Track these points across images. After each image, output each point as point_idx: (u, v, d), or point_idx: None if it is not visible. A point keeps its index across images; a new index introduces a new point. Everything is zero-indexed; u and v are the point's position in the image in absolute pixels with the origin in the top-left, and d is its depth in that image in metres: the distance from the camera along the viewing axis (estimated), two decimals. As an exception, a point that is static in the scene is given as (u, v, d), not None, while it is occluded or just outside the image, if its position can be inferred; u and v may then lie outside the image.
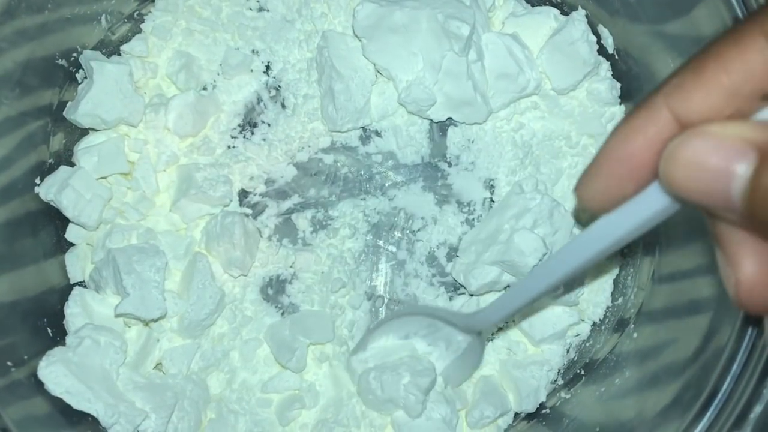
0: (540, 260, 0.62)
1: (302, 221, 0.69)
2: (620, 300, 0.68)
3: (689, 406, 0.50)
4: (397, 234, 0.69)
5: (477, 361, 0.66)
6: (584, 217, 0.65)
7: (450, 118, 0.68)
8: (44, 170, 0.66)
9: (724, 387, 0.49)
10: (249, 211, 0.69)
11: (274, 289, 0.68)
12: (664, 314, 0.61)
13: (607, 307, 0.68)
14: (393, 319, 0.63)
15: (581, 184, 0.39)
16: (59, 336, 0.62)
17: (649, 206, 0.36)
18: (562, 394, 0.67)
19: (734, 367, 0.49)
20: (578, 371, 0.68)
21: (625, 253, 0.68)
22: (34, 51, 0.63)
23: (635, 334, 0.64)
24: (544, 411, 0.67)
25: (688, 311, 0.57)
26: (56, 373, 0.55)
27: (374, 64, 0.67)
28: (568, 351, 0.68)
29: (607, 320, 0.68)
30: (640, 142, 0.35)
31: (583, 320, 0.68)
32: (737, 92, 0.32)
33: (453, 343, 0.64)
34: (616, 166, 0.36)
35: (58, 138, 0.67)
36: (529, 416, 0.67)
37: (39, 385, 0.57)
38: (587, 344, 0.68)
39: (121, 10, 0.69)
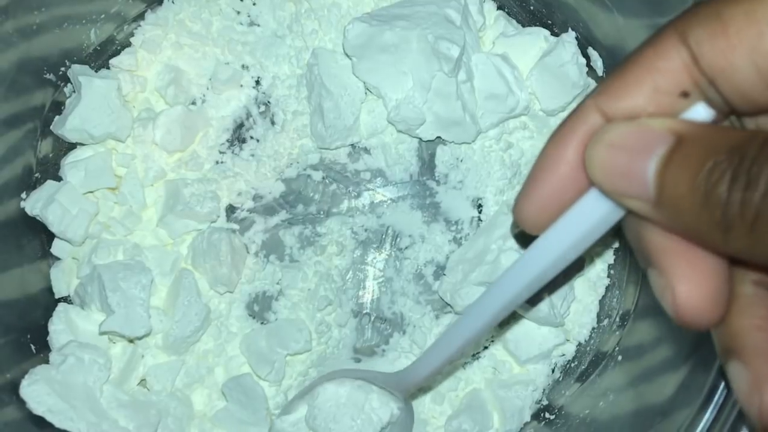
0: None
1: (290, 238, 0.69)
2: (605, 321, 0.68)
3: (691, 401, 0.50)
4: (385, 252, 0.69)
5: (409, 429, 0.64)
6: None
7: (439, 137, 0.68)
8: (31, 183, 0.65)
9: (724, 382, 0.49)
10: (236, 226, 0.69)
11: (260, 306, 0.68)
12: (657, 313, 0.61)
13: (593, 328, 0.68)
14: (322, 383, 0.61)
15: (518, 202, 0.38)
16: (42, 352, 0.61)
17: (588, 215, 0.35)
18: (561, 393, 0.67)
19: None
20: (575, 370, 0.68)
21: (611, 274, 0.68)
22: (21, 59, 0.62)
23: (631, 332, 0.64)
24: (543, 413, 0.67)
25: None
26: (39, 391, 0.55)
27: (364, 83, 0.67)
28: (553, 371, 0.68)
29: (592, 341, 0.68)
30: (574, 145, 0.36)
31: (568, 340, 0.68)
32: (658, 90, 0.33)
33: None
34: (552, 176, 0.36)
35: (47, 144, 0.67)
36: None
37: (19, 402, 0.56)
38: (573, 364, 0.68)
39: (110, 23, 0.69)
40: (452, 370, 0.68)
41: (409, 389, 0.60)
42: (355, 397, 0.59)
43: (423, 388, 0.67)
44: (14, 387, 0.57)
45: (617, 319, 0.67)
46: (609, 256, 0.68)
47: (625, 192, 0.33)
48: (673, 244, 0.33)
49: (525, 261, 0.39)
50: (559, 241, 0.37)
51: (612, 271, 0.68)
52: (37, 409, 0.55)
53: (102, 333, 0.60)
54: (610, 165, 0.33)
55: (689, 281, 0.33)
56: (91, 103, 0.63)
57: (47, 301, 0.65)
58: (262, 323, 0.67)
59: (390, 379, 0.60)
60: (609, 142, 0.33)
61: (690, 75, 0.33)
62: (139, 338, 0.62)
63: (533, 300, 0.64)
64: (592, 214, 0.35)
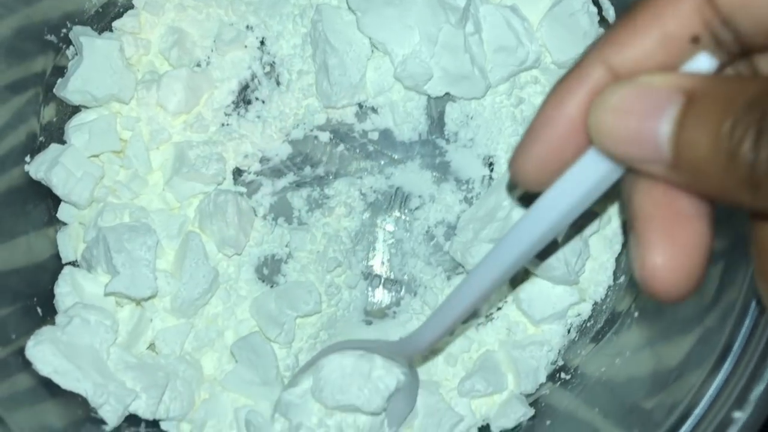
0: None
1: (297, 200, 0.68)
2: (622, 279, 0.66)
3: (704, 361, 0.49)
4: (395, 213, 0.68)
5: (414, 397, 0.63)
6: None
7: (448, 94, 0.66)
8: (35, 147, 0.65)
9: (739, 340, 0.48)
10: (243, 189, 0.68)
11: (270, 269, 0.67)
12: None
13: (609, 286, 0.66)
14: (326, 355, 0.59)
15: (516, 157, 0.36)
16: (49, 315, 0.61)
17: (590, 173, 0.34)
18: (577, 353, 0.66)
19: (747, 320, 0.48)
20: (591, 330, 0.66)
21: (626, 231, 0.67)
22: (21, 25, 0.62)
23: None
24: (558, 374, 0.66)
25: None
26: (44, 352, 0.55)
27: (369, 38, 0.65)
28: (569, 331, 0.67)
29: (608, 299, 0.66)
30: (576, 101, 0.34)
31: (584, 300, 0.66)
32: (667, 35, 0.31)
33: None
34: (552, 132, 0.35)
35: (50, 110, 0.66)
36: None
37: (27, 365, 0.56)
38: (588, 323, 0.67)
39: (112, -16, 0.68)
40: (462, 332, 0.66)
41: (417, 355, 0.59)
42: (360, 366, 0.58)
43: (434, 350, 0.65)
44: (23, 352, 0.56)
45: (634, 277, 0.65)
46: (625, 213, 0.66)
47: (636, 157, 0.31)
48: (658, 213, 0.32)
49: (527, 221, 0.38)
50: (561, 201, 0.36)
51: (626, 228, 0.67)
52: (43, 370, 0.55)
53: (107, 294, 0.59)
54: (618, 131, 0.31)
55: (662, 253, 0.32)
56: (93, 64, 0.62)
57: (55, 267, 0.65)
58: (271, 286, 0.66)
59: (395, 347, 0.59)
60: (614, 106, 0.31)
61: (701, 17, 0.31)
62: (146, 300, 0.61)
63: (546, 258, 0.63)
64: (594, 172, 0.34)
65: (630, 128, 0.31)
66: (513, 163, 0.37)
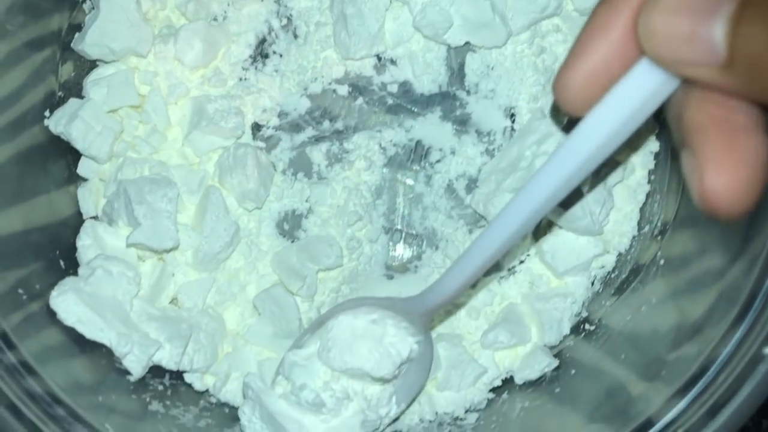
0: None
1: (317, 154, 0.67)
2: (646, 228, 0.65)
3: (727, 314, 0.49)
4: (415, 166, 0.67)
5: (427, 373, 0.60)
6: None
7: (468, 43, 0.65)
8: (54, 103, 0.64)
9: (761, 294, 0.47)
10: (262, 144, 0.67)
11: (290, 224, 0.66)
12: (697, 221, 0.59)
13: (633, 237, 0.66)
14: (336, 315, 0.57)
15: (561, 77, 0.35)
16: (72, 269, 0.61)
17: (640, 86, 0.33)
18: (601, 304, 0.65)
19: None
20: (615, 281, 0.66)
21: (651, 180, 0.66)
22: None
23: (672, 241, 0.62)
24: (582, 325, 0.65)
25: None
26: (68, 301, 0.55)
27: (388, -13, 0.64)
28: (593, 283, 0.66)
29: (632, 250, 0.66)
30: (626, 12, 0.33)
31: (608, 251, 0.66)
32: None
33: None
34: (601, 45, 0.33)
35: (67, 68, 0.66)
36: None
37: (53, 317, 0.56)
38: (612, 275, 0.66)
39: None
40: (485, 286, 0.66)
41: (434, 311, 0.57)
42: (372, 330, 0.55)
43: (455, 305, 0.65)
44: (49, 307, 0.57)
45: (658, 225, 0.64)
46: (649, 162, 0.65)
47: (689, 59, 0.30)
48: (714, 126, 0.31)
49: (571, 143, 0.36)
50: (609, 118, 0.34)
51: (653, 177, 0.66)
52: (67, 319, 0.55)
53: (129, 246, 0.59)
54: (670, 31, 0.30)
55: (721, 165, 0.31)
56: (111, 16, 0.62)
57: (76, 223, 0.64)
58: (292, 241, 0.66)
59: (410, 304, 0.57)
60: (666, 6, 0.30)
61: None
62: (167, 251, 0.61)
63: (570, 207, 0.62)
64: (644, 85, 0.33)
65: (683, 27, 0.30)
66: (558, 82, 0.36)
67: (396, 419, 0.60)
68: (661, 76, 0.32)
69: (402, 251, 0.67)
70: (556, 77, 0.36)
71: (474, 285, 0.64)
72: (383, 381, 0.56)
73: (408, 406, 0.60)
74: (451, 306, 0.65)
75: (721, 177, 0.30)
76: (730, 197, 0.30)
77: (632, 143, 0.65)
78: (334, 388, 0.55)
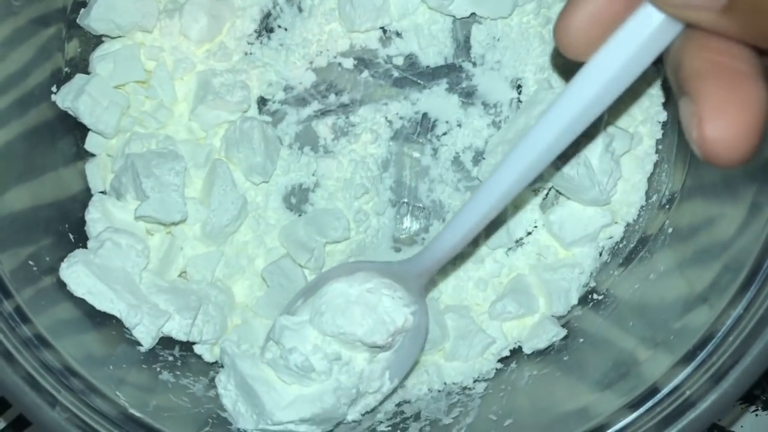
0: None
1: (323, 128, 0.67)
2: (654, 198, 0.65)
3: (731, 285, 0.49)
4: (421, 139, 0.67)
5: (419, 349, 0.58)
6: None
7: (473, 14, 0.65)
8: (60, 79, 0.65)
9: (764, 267, 0.47)
10: (269, 119, 0.67)
11: (297, 198, 0.67)
12: (706, 191, 0.59)
13: (641, 207, 0.65)
14: (329, 282, 0.56)
15: (562, 20, 0.35)
16: (81, 242, 0.61)
17: (641, 30, 0.32)
18: (609, 274, 0.65)
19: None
20: (623, 251, 0.66)
21: (659, 150, 0.65)
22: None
23: (680, 210, 0.62)
24: (590, 295, 0.65)
25: (729, 188, 0.55)
26: (78, 273, 0.55)
27: (392, -42, 0.64)
28: (600, 254, 0.66)
29: (641, 220, 0.65)
30: None
31: (616, 221, 0.65)
32: None
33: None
34: None
35: (73, 45, 0.66)
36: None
37: (65, 291, 0.57)
38: (620, 245, 0.66)
39: None
40: (492, 257, 0.66)
41: (431, 271, 0.55)
42: (366, 298, 0.55)
43: (463, 278, 0.65)
44: (61, 282, 0.57)
45: (666, 195, 0.64)
46: (657, 132, 0.65)
47: (690, 2, 0.30)
48: (714, 72, 0.31)
49: (572, 88, 0.36)
50: (610, 63, 0.34)
51: (660, 147, 0.65)
52: (77, 290, 0.56)
53: (137, 218, 0.60)
54: None
55: (721, 111, 0.30)
56: (115, -9, 0.62)
57: (84, 199, 0.65)
58: (299, 215, 0.66)
59: (407, 266, 0.55)
60: None
61: None
62: (176, 224, 0.61)
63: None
64: (646, 30, 0.33)
65: None
66: (559, 25, 0.35)
67: (388, 396, 0.60)
68: (662, 20, 0.32)
69: (409, 224, 0.67)
70: (557, 20, 0.36)
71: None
72: (375, 349, 0.55)
73: (401, 382, 0.59)
74: (458, 277, 0.65)
75: (720, 123, 0.30)
76: (730, 143, 0.30)
77: (644, 110, 0.65)
78: (326, 352, 0.55)
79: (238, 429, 0.56)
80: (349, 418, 0.58)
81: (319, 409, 0.55)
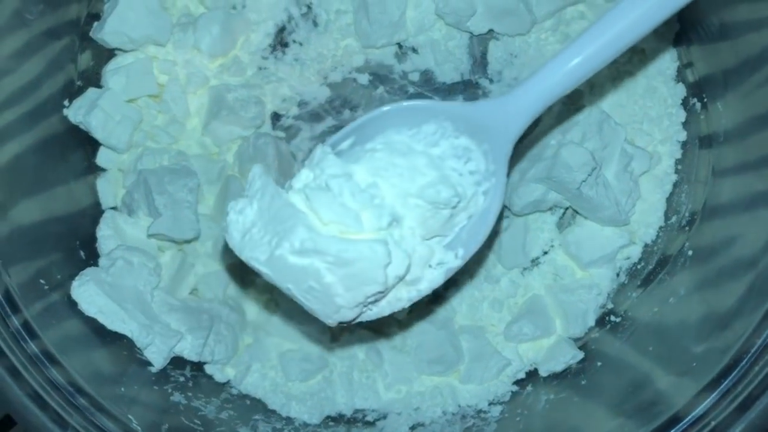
0: (589, 175, 0.59)
1: (337, 144, 0.66)
2: (673, 219, 0.64)
3: (757, 307, 0.47)
4: (437, 156, 0.66)
5: (493, 222, 0.48)
6: None
7: (491, 31, 0.64)
8: (72, 92, 0.64)
9: None
10: (282, 134, 0.66)
11: (310, 215, 0.65)
12: (727, 211, 0.58)
13: (660, 227, 0.64)
14: (383, 123, 0.44)
15: None
16: (92, 259, 0.60)
17: None
18: (627, 296, 0.64)
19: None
20: (641, 272, 0.65)
21: (678, 170, 0.64)
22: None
23: (701, 231, 0.61)
24: (608, 317, 0.64)
25: (751, 208, 0.54)
26: (89, 292, 0.54)
27: (409, -26, 0.63)
28: (618, 275, 0.65)
29: (659, 241, 0.64)
30: None
31: (634, 242, 0.64)
32: None
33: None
34: None
35: (86, 57, 0.65)
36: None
37: (74, 308, 0.56)
38: (639, 266, 0.65)
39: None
40: (507, 277, 0.64)
41: (523, 122, 0.44)
42: (431, 154, 0.43)
43: (480, 298, 0.64)
44: (71, 298, 0.56)
45: (686, 215, 0.63)
46: (676, 151, 0.64)
47: None
48: None
49: None
50: None
51: (680, 167, 0.64)
52: (89, 310, 0.55)
53: (150, 236, 0.59)
54: None
55: None
56: (130, 4, 0.61)
57: (95, 214, 0.64)
58: (312, 232, 0.65)
59: (489, 111, 0.44)
60: None
61: None
62: (188, 242, 0.60)
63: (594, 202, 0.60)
64: None
65: None
66: None
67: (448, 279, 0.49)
68: None
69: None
70: None
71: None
72: (434, 206, 0.45)
73: (464, 263, 0.49)
74: (473, 297, 0.64)
75: None
76: None
77: (658, 122, 0.64)
78: (374, 196, 0.43)
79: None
80: (402, 298, 0.47)
81: (358, 256, 0.42)
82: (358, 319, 0.46)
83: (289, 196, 0.44)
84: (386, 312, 0.46)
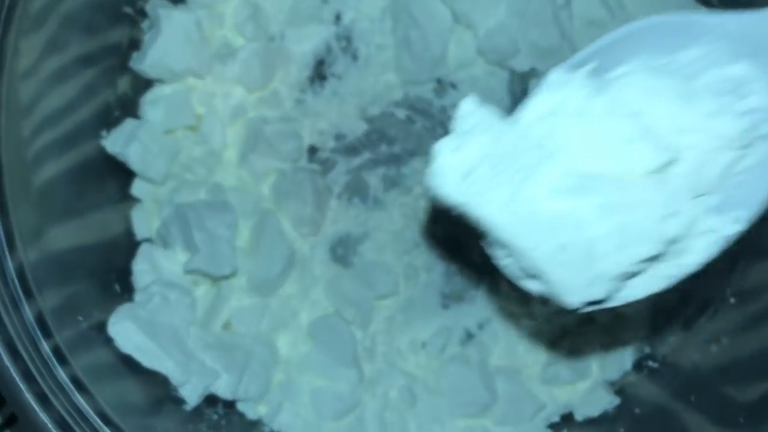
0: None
1: (373, 178, 0.66)
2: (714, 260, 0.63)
3: None
4: (474, 193, 0.65)
5: None
6: None
7: (533, 68, 0.64)
8: (110, 120, 0.63)
9: None
10: (318, 167, 0.66)
11: (344, 249, 0.65)
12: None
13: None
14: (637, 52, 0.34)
15: None
16: (126, 292, 0.60)
17: None
18: (665, 340, 0.63)
19: None
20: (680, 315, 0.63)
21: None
22: (96, 2, 0.61)
23: (740, 276, 0.60)
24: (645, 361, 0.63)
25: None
26: (126, 329, 0.54)
27: (452, 10, 0.63)
28: (656, 318, 0.64)
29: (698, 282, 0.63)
30: None
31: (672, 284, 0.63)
32: None
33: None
34: None
35: (123, 86, 0.65)
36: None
37: (107, 339, 0.55)
38: (677, 309, 0.64)
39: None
40: (545, 317, 0.64)
41: None
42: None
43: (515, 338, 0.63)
44: (103, 328, 0.56)
45: (727, 257, 0.62)
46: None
47: None
48: None
49: None
50: None
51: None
52: (125, 347, 0.54)
53: (187, 272, 0.58)
54: None
55: None
56: (172, 36, 0.61)
57: (127, 244, 0.64)
58: (346, 267, 0.64)
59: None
60: None
61: None
62: (225, 278, 0.60)
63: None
64: None
65: None
66: None
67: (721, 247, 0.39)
68: None
69: (459, 279, 0.65)
70: None
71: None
72: (721, 142, 0.34)
73: (744, 229, 0.39)
74: (509, 335, 0.63)
75: None
76: None
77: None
78: (643, 123, 0.33)
79: None
80: (662, 275, 0.37)
81: (637, 200, 0.33)
82: (605, 304, 0.35)
83: (524, 128, 0.35)
84: (640, 294, 0.37)
